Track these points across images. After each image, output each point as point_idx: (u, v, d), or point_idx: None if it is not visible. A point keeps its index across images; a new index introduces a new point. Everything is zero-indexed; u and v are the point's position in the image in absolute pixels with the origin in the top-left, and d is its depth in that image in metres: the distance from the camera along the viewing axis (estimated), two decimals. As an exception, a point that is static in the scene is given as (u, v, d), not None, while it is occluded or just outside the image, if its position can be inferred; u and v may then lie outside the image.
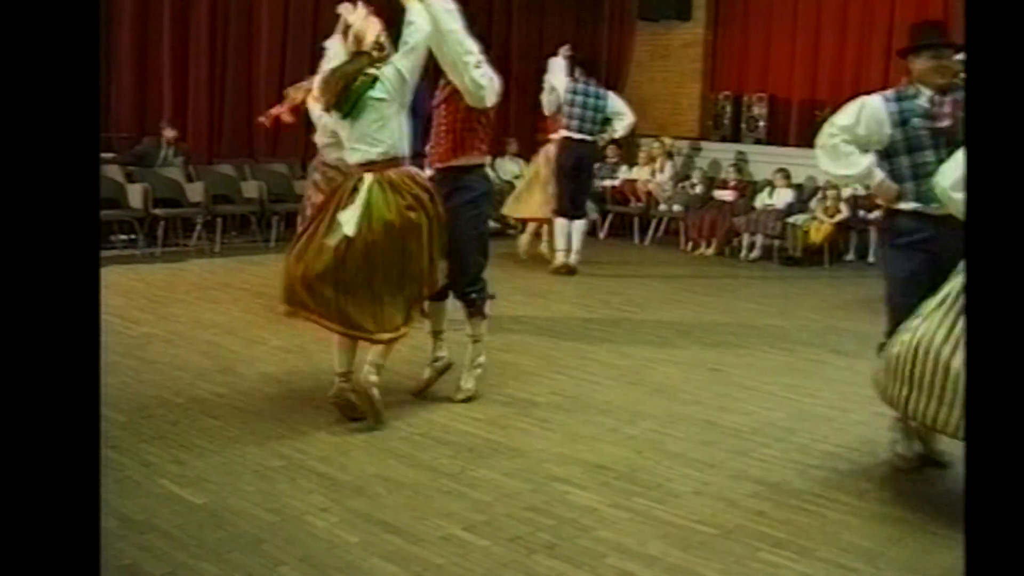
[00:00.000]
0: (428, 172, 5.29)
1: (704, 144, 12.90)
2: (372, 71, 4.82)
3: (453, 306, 5.49)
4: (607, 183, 12.45)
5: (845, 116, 4.51)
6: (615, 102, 9.81)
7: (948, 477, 4.40)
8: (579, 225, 9.63)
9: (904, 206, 4.43)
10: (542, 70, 11.53)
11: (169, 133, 10.23)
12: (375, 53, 4.92)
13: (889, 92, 4.59)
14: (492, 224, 11.83)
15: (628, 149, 13.07)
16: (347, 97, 4.79)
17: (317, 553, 3.45)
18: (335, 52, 5.50)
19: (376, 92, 4.79)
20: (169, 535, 3.54)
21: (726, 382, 5.89)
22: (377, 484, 4.09)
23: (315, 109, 6.82)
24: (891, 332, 4.26)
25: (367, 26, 4.95)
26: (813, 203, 11.01)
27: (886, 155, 4.49)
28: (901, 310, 4.23)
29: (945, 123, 4.35)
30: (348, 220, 4.71)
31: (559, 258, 9.59)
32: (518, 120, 13.64)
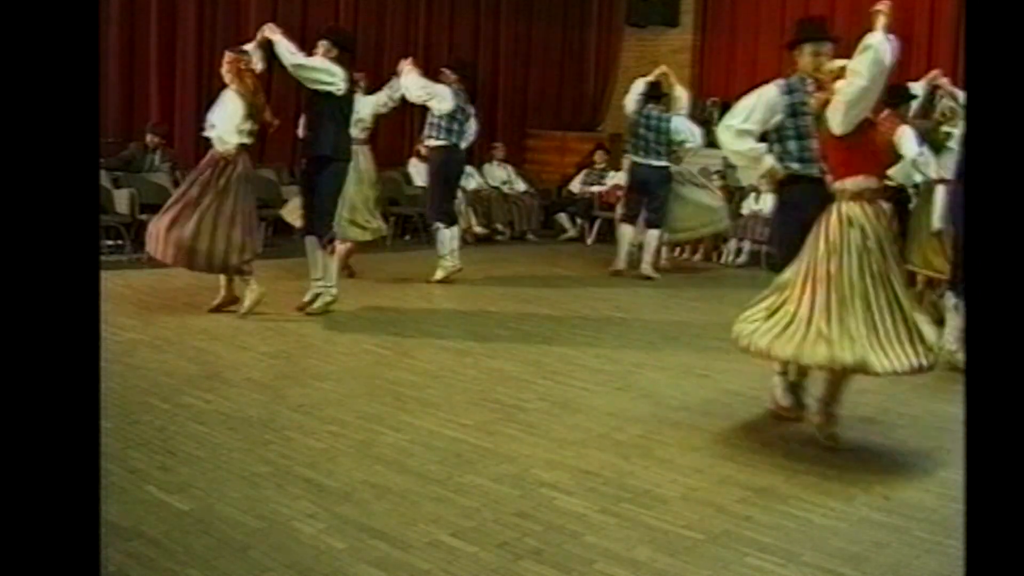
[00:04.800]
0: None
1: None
2: None
3: None
4: (595, 189, 12.48)
5: (746, 102, 5.33)
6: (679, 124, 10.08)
7: (934, 483, 4.42)
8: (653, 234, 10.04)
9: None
10: (529, 75, 11.56)
11: (152, 139, 10.21)
12: None
13: (782, 83, 5.36)
14: (479, 230, 11.96)
15: (615, 155, 13.11)
16: None
17: (304, 560, 3.44)
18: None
19: None
20: (155, 542, 3.53)
21: (714, 387, 5.90)
22: (364, 490, 4.08)
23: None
24: None
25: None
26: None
27: (777, 139, 5.29)
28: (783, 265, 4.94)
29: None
30: None
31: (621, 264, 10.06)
32: (505, 126, 13.67)
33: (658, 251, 10.19)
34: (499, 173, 12.94)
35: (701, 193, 10.47)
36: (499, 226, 12.35)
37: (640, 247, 10.11)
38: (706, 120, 13.02)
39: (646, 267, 9.91)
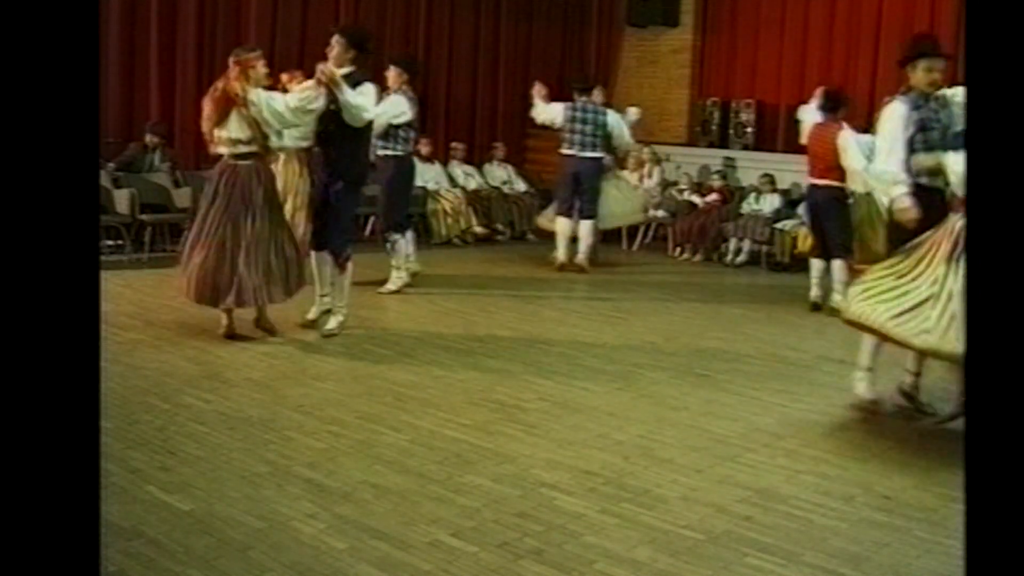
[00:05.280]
0: None
1: (692, 150, 12.92)
2: None
3: None
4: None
5: (885, 138, 5.42)
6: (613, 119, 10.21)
7: (934, 483, 4.42)
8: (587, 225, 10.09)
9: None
10: (529, 75, 11.46)
11: (151, 139, 10.20)
12: None
13: (904, 99, 5.40)
14: (479, 230, 11.97)
15: (616, 155, 13.11)
16: None
17: (304, 560, 3.44)
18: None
19: None
20: (155, 542, 3.53)
21: (714, 387, 5.90)
22: (364, 490, 4.08)
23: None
24: None
25: None
26: (801, 209, 11.03)
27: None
28: None
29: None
30: None
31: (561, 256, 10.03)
32: (505, 126, 13.66)
33: (594, 243, 10.26)
34: (499, 173, 12.92)
35: (619, 184, 10.82)
36: (499, 226, 12.34)
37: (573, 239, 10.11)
38: (705, 120, 13.04)
39: (582, 257, 9.96)
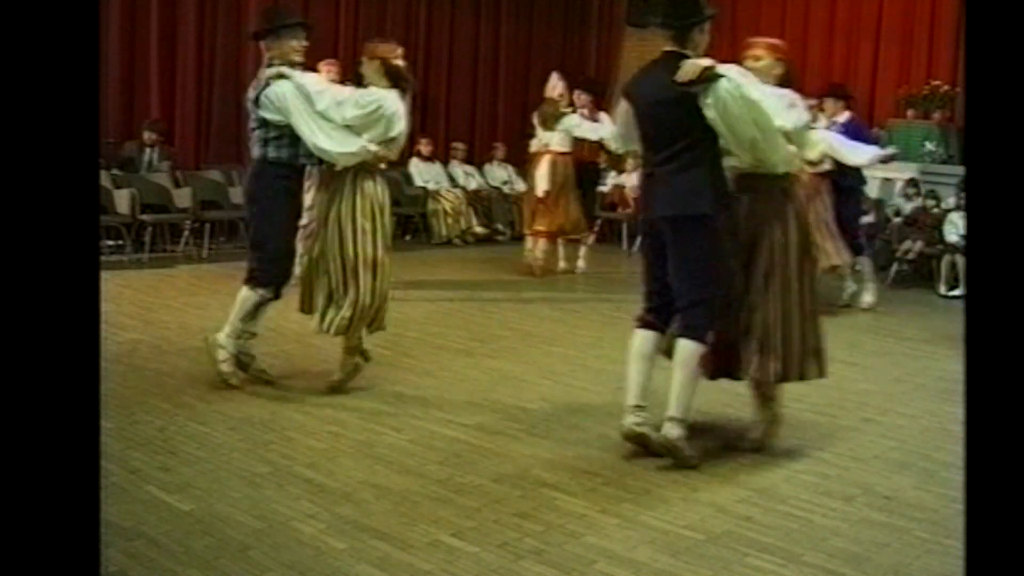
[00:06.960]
0: None
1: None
2: None
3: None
4: (596, 189, 12.46)
5: None
6: None
7: (934, 483, 4.42)
8: None
9: None
10: (529, 75, 11.39)
11: (149, 136, 10.20)
12: None
13: None
14: (480, 229, 11.96)
15: (616, 155, 13.09)
16: None
17: (304, 560, 3.44)
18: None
19: None
20: (156, 542, 3.53)
21: (714, 388, 5.87)
22: (365, 490, 4.08)
23: None
24: None
25: None
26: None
27: None
28: None
29: None
30: None
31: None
32: (506, 126, 13.68)
33: None
34: (500, 173, 12.94)
35: None
36: (499, 226, 12.36)
37: None
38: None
39: None
